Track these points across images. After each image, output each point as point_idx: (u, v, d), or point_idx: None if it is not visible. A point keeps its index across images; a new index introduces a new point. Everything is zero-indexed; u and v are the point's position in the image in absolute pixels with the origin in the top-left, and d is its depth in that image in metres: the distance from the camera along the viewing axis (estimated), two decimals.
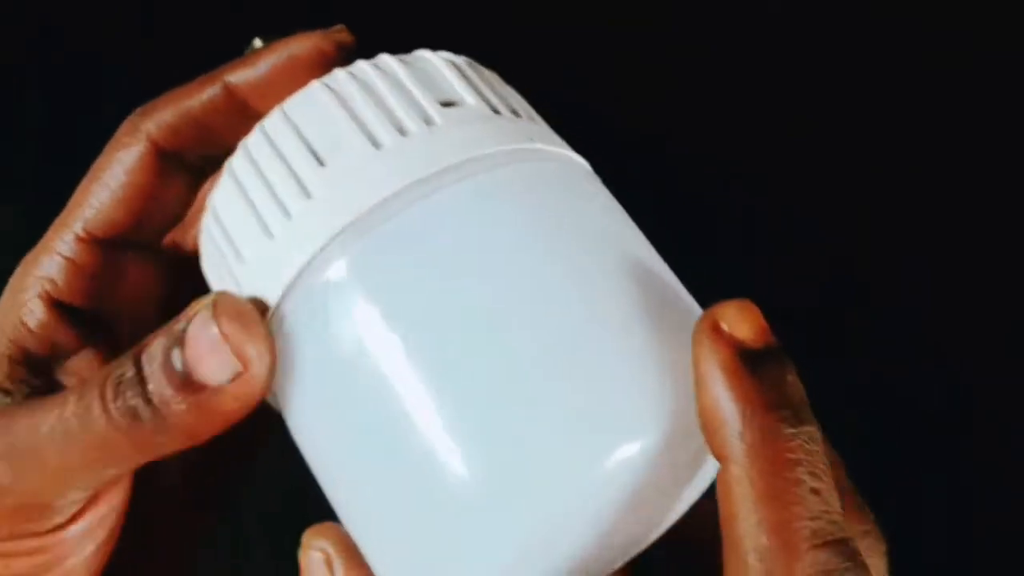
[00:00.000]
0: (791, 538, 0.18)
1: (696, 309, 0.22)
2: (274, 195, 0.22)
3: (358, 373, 0.20)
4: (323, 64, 0.25)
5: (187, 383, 0.21)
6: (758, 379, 0.19)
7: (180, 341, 0.21)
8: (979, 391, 0.62)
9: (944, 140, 0.64)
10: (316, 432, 0.21)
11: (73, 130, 0.63)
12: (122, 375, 0.22)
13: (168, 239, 0.27)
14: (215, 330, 0.21)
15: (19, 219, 0.62)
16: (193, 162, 0.26)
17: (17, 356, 0.24)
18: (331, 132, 0.22)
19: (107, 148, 0.26)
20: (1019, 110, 0.64)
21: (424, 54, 0.25)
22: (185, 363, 0.21)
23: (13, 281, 0.25)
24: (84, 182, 0.26)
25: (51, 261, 0.25)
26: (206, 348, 0.21)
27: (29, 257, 0.25)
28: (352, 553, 0.21)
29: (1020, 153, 0.64)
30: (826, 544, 0.18)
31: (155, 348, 0.22)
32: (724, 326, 0.20)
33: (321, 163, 0.22)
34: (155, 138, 0.25)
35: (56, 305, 0.25)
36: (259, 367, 0.21)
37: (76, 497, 0.23)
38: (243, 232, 0.23)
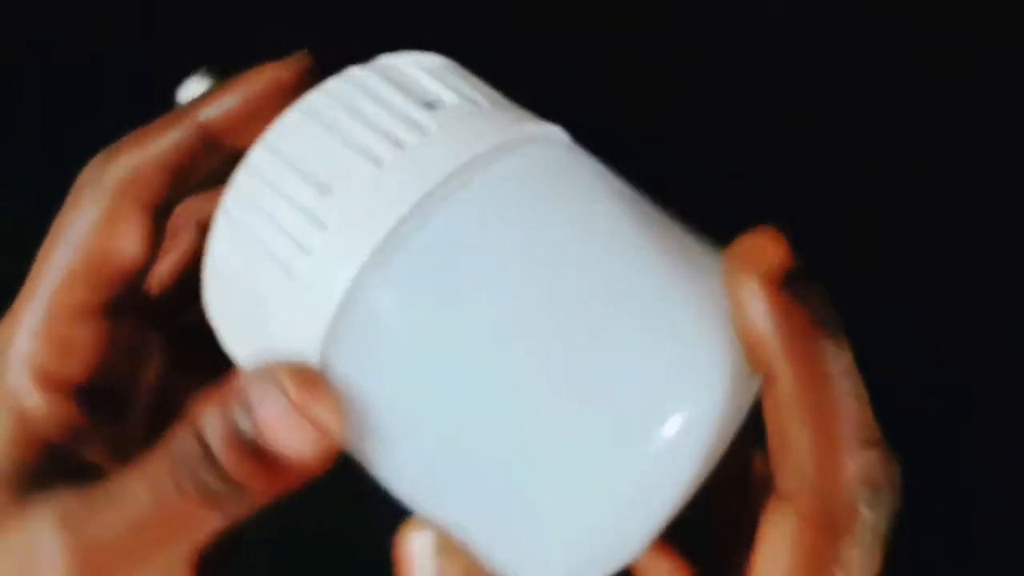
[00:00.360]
0: (840, 443, 0.19)
1: (716, 249, 0.23)
2: (287, 234, 0.22)
3: (432, 384, 0.21)
4: (288, 94, 0.24)
5: (262, 455, 0.21)
6: (796, 297, 0.20)
7: (247, 411, 0.21)
8: (979, 391, 0.62)
9: (944, 140, 0.64)
10: (400, 449, 0.21)
11: (72, 129, 0.63)
12: (186, 450, 0.21)
13: (144, 288, 0.26)
14: (284, 402, 0.20)
15: (18, 218, 0.62)
16: (162, 205, 0.24)
17: (29, 442, 0.23)
18: (328, 159, 0.22)
19: (69, 201, 0.24)
20: (1019, 110, 0.64)
21: (388, 60, 0.24)
22: (259, 436, 0.21)
23: None
24: (48, 242, 0.24)
25: (29, 339, 0.23)
26: (279, 421, 0.20)
27: (3, 336, 0.24)
28: (454, 542, 0.21)
29: (1020, 153, 0.64)
30: (871, 444, 0.19)
31: (213, 410, 0.21)
32: (755, 252, 0.21)
33: (327, 192, 0.21)
34: (121, 187, 0.24)
35: (51, 383, 0.23)
36: (336, 428, 0.21)
37: None
38: (262, 279, 0.22)
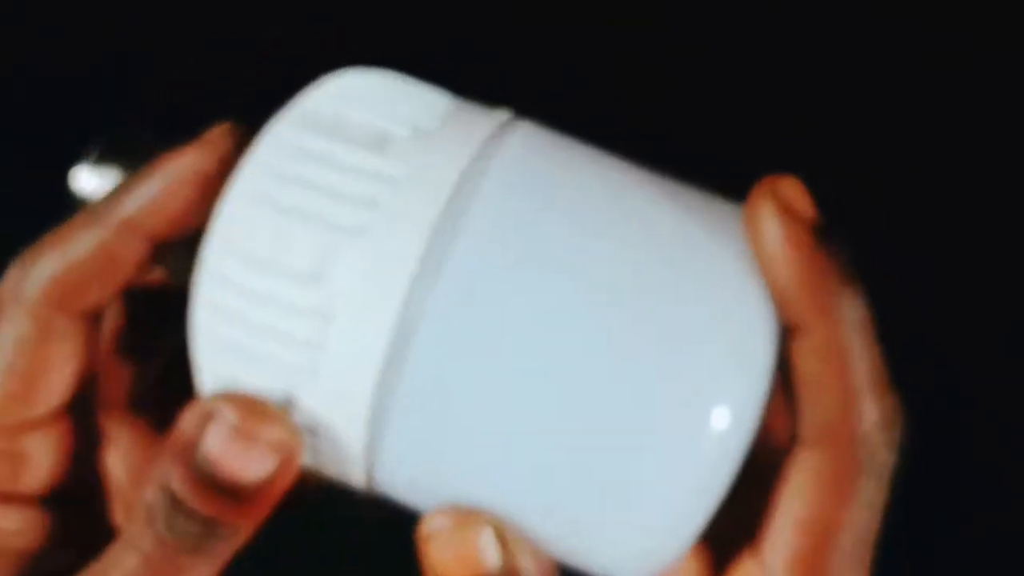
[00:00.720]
0: (865, 390, 0.21)
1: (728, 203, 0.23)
2: (292, 342, 0.20)
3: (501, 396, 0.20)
4: (212, 178, 0.23)
5: (225, 487, 0.21)
6: (825, 248, 0.22)
7: (200, 458, 0.21)
8: (979, 391, 0.62)
9: (944, 140, 0.64)
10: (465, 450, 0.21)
11: (72, 129, 0.63)
12: (156, 506, 0.21)
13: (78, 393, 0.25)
14: (227, 430, 0.21)
15: (16, 218, 0.62)
16: (91, 309, 0.23)
17: (16, 565, 0.23)
18: (303, 246, 0.20)
19: None
20: (1019, 110, 0.64)
21: (309, 106, 0.22)
22: (213, 469, 0.21)
23: None
24: None
25: None
26: (228, 449, 0.21)
27: None
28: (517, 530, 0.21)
29: (1020, 153, 0.64)
30: (888, 390, 0.21)
31: (174, 474, 0.21)
32: (783, 202, 0.23)
33: (318, 280, 0.20)
34: (46, 299, 0.22)
35: (9, 499, 0.23)
36: (293, 441, 0.21)
37: None
38: (279, 384, 0.21)
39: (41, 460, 0.24)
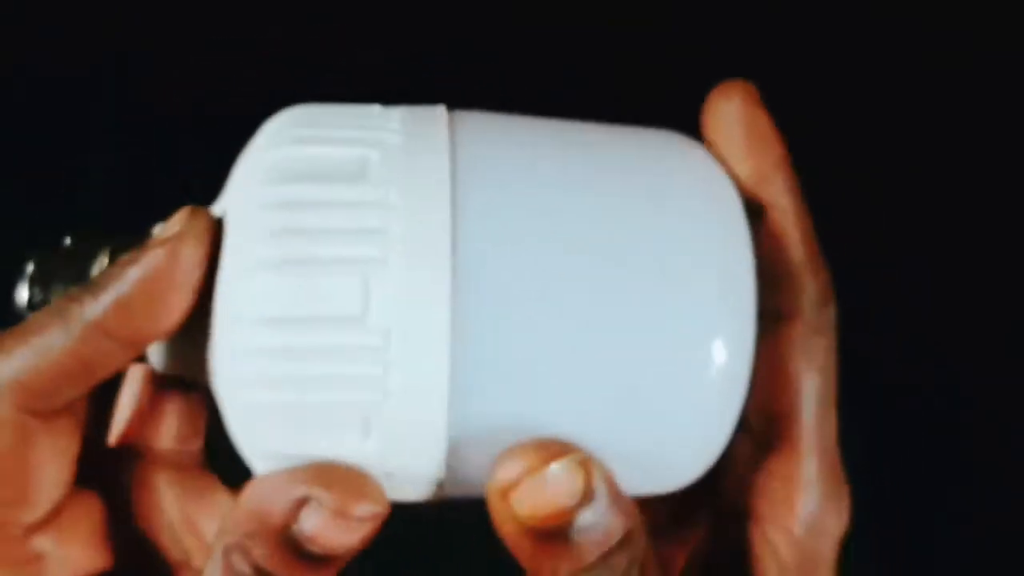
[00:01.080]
0: (819, 258, 0.24)
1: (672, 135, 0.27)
2: (356, 386, 0.21)
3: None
4: (188, 271, 0.22)
5: (321, 559, 0.21)
6: (779, 132, 0.25)
7: (295, 537, 0.20)
8: (979, 391, 0.62)
9: (944, 140, 0.64)
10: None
11: (72, 129, 0.63)
12: (240, 573, 0.21)
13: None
14: (324, 513, 0.20)
15: (16, 218, 0.62)
16: (62, 407, 0.22)
17: None
18: (328, 296, 0.20)
19: None
20: (1019, 110, 0.64)
21: (272, 157, 0.22)
22: (315, 549, 0.21)
23: None
24: None
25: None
26: (331, 531, 0.20)
27: None
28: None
29: (1020, 153, 0.64)
30: (823, 266, 0.25)
31: (262, 550, 0.21)
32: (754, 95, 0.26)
33: (361, 318, 0.20)
34: (10, 406, 0.21)
35: None
36: (384, 507, 0.21)
37: None
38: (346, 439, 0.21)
39: (62, 553, 0.23)
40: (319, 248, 0.20)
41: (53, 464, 0.23)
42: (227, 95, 0.61)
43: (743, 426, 0.24)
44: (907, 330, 0.63)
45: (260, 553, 0.20)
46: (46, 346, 0.21)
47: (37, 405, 0.22)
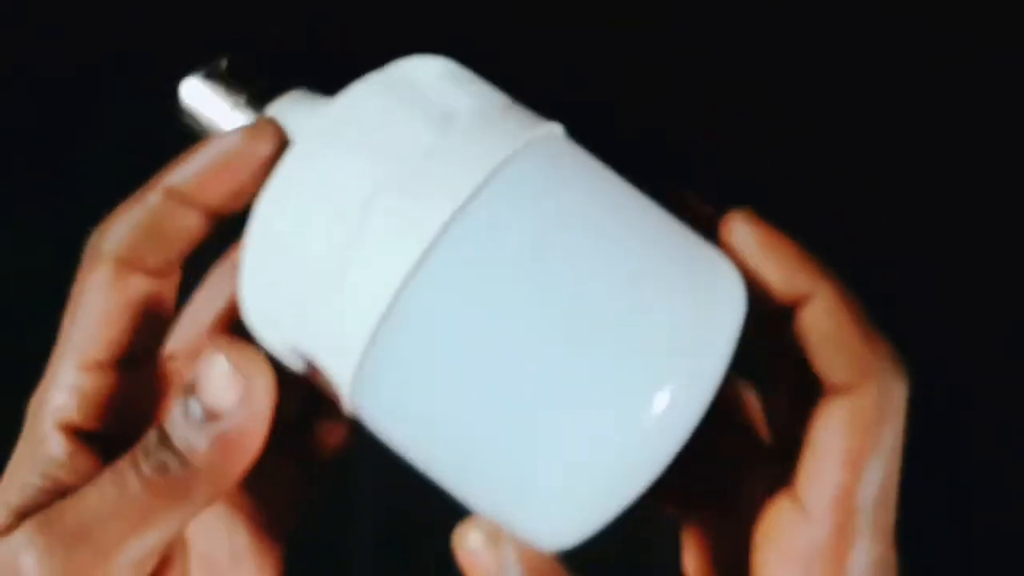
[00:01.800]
0: (875, 334, 0.24)
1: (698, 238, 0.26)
2: (324, 257, 0.23)
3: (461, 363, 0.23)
4: (255, 160, 0.26)
5: (205, 426, 0.23)
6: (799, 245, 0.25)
7: (193, 389, 0.23)
8: (979, 391, 0.62)
9: (944, 140, 0.64)
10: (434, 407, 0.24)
11: (72, 129, 0.63)
12: (148, 441, 0.24)
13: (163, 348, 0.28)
14: (222, 363, 0.23)
15: (16, 219, 0.62)
16: (159, 268, 0.27)
17: (50, 488, 0.25)
18: (364, 169, 0.23)
19: (79, 275, 0.27)
20: (1019, 110, 0.64)
21: (399, 71, 0.25)
22: (201, 405, 0.23)
23: (29, 421, 0.26)
24: (68, 312, 0.27)
25: (59, 394, 0.26)
26: (213, 380, 0.23)
27: (37, 394, 0.26)
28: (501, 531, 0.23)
29: (1020, 153, 0.64)
30: (886, 340, 0.25)
31: (172, 407, 0.24)
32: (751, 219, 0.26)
33: (365, 212, 0.23)
34: (118, 258, 0.26)
35: (77, 434, 0.26)
36: (262, 384, 0.23)
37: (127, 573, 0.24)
38: (302, 303, 0.23)
39: (103, 400, 0.26)
40: (372, 134, 0.23)
41: (137, 317, 0.26)
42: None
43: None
44: (907, 330, 0.63)
45: (167, 419, 0.24)
46: (141, 208, 0.26)
47: (133, 262, 0.26)
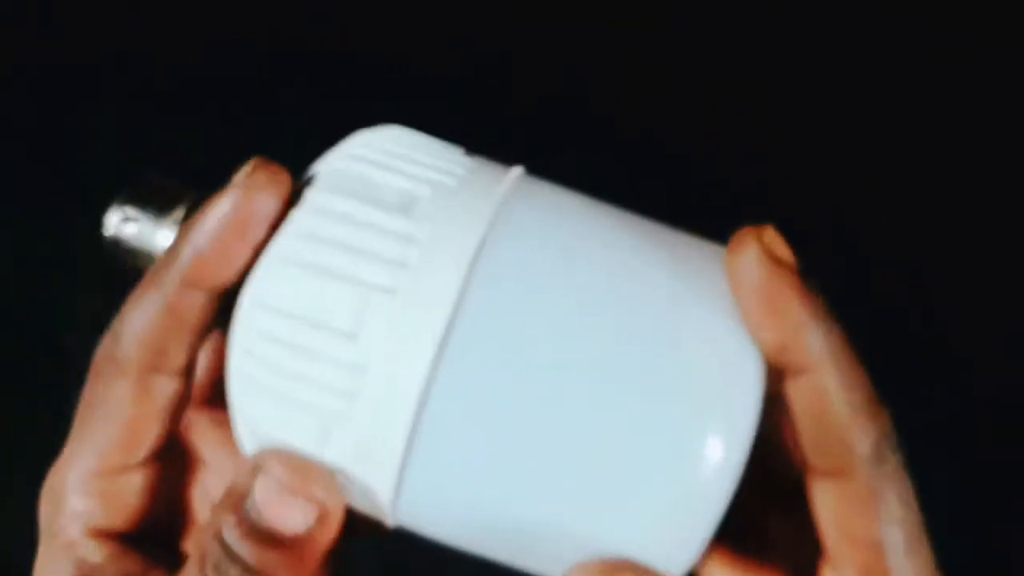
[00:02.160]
0: (865, 411, 0.23)
1: (714, 247, 0.24)
2: (326, 389, 0.22)
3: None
4: (256, 219, 0.24)
5: (275, 542, 0.23)
6: (814, 290, 0.23)
7: (249, 508, 0.23)
8: (979, 391, 0.62)
9: (944, 140, 0.64)
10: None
11: (72, 129, 0.63)
12: (213, 555, 0.23)
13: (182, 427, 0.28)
14: (274, 484, 0.23)
15: (16, 219, 0.62)
16: (183, 365, 0.25)
17: None
18: (338, 304, 0.22)
19: (91, 376, 0.25)
20: (1019, 110, 0.64)
21: (340, 167, 0.24)
22: (260, 519, 0.23)
23: (47, 533, 0.25)
24: (82, 415, 0.26)
25: (81, 500, 0.25)
26: (278, 504, 0.23)
27: (50, 497, 0.25)
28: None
29: (1020, 153, 0.64)
30: (881, 408, 0.23)
31: (227, 522, 0.23)
32: (771, 250, 0.23)
33: (353, 339, 0.22)
34: (140, 365, 0.25)
35: (111, 537, 0.25)
36: (333, 501, 0.23)
37: None
38: (309, 438, 0.23)
39: (133, 500, 0.26)
40: (342, 261, 0.22)
41: (162, 417, 0.25)
42: (228, 94, 0.60)
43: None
44: (908, 330, 0.63)
45: (227, 528, 0.23)
46: (152, 307, 0.25)
47: (155, 363, 0.25)
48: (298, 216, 0.23)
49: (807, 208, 0.62)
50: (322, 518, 0.23)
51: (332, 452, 0.23)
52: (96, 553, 0.25)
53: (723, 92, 0.63)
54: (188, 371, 0.25)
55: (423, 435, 0.22)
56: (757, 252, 0.23)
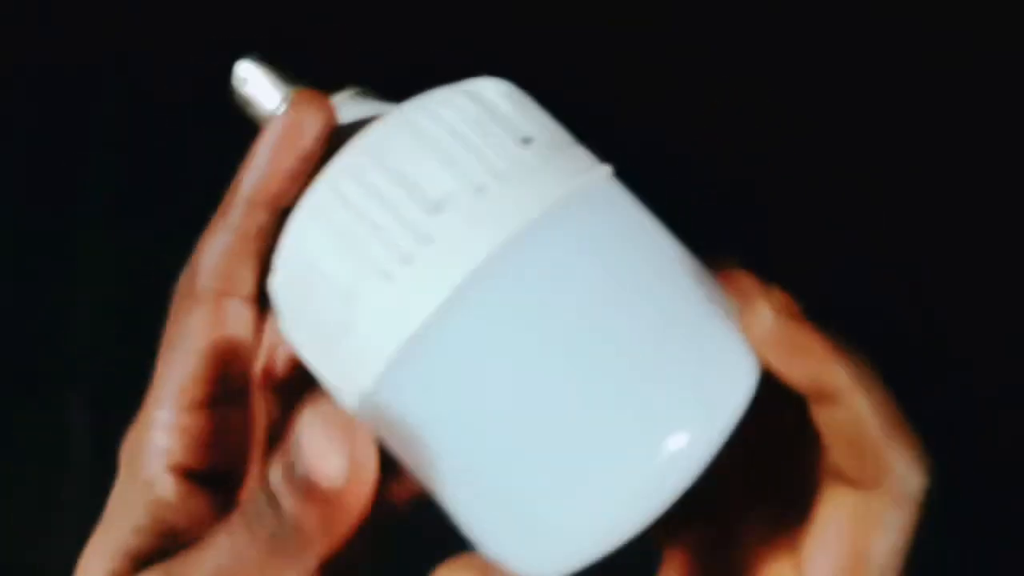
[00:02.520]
0: (904, 436, 0.25)
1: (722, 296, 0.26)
2: (389, 240, 0.23)
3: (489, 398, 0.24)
4: (313, 129, 0.26)
5: (311, 492, 0.23)
6: (826, 336, 0.24)
7: (296, 451, 0.23)
8: (979, 391, 0.62)
9: (944, 140, 0.64)
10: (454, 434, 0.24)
11: (72, 129, 0.63)
12: (259, 503, 0.24)
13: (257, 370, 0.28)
14: (324, 433, 0.23)
15: (17, 219, 0.62)
16: (255, 290, 0.27)
17: (161, 531, 0.25)
18: (428, 178, 0.24)
19: (173, 311, 0.26)
20: (1019, 110, 0.64)
21: (476, 87, 0.26)
22: (306, 472, 0.23)
23: (128, 463, 0.26)
24: (164, 352, 0.26)
25: (164, 436, 0.26)
26: (319, 455, 0.23)
27: (134, 435, 0.26)
28: (490, 570, 0.23)
29: (1020, 153, 0.64)
30: (912, 437, 0.25)
31: (274, 465, 0.23)
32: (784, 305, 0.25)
33: (436, 210, 0.23)
34: (216, 291, 0.26)
35: (186, 475, 0.26)
36: (368, 460, 0.23)
37: None
38: (354, 276, 0.24)
39: (212, 438, 0.26)
40: (450, 145, 0.24)
41: (241, 349, 0.27)
42: (227, 94, 0.60)
43: None
44: (908, 331, 0.63)
45: (275, 476, 0.23)
46: (228, 232, 0.26)
47: (228, 287, 0.26)
48: (339, 166, 0.24)
49: (807, 208, 0.62)
50: (355, 478, 0.23)
51: (360, 306, 0.24)
52: (171, 491, 0.25)
53: (723, 92, 0.63)
54: (258, 299, 0.26)
55: (442, 329, 0.23)
56: (772, 306, 0.25)
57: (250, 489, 0.25)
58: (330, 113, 0.26)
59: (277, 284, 0.25)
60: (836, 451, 0.25)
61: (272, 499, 0.23)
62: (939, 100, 0.64)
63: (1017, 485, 0.61)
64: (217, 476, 0.26)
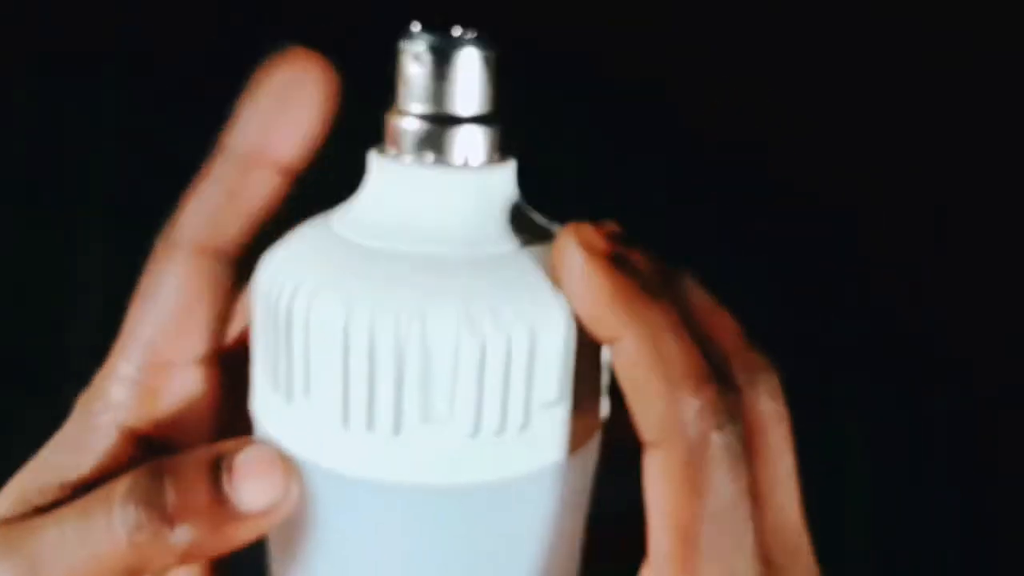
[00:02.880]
0: (686, 382, 0.22)
1: None
2: (371, 396, 0.23)
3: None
4: (308, 83, 0.25)
5: (222, 504, 0.22)
6: (623, 269, 0.23)
7: (227, 465, 0.22)
8: (979, 391, 0.62)
9: (944, 140, 0.64)
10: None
11: (73, 129, 0.63)
12: (137, 489, 0.22)
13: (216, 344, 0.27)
14: (271, 457, 0.23)
15: (17, 219, 0.62)
16: (237, 249, 0.25)
17: (87, 477, 0.24)
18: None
19: (150, 264, 0.25)
20: (1019, 110, 0.64)
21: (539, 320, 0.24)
22: (231, 485, 0.22)
23: (81, 410, 0.25)
24: (136, 304, 0.25)
25: (122, 390, 0.25)
26: (256, 472, 0.22)
27: (95, 385, 0.25)
28: None
29: (1020, 153, 0.64)
30: (706, 381, 0.22)
31: (191, 464, 0.22)
32: (589, 241, 0.23)
33: (424, 420, 0.23)
34: (196, 243, 0.25)
35: (134, 438, 0.25)
36: (293, 496, 0.23)
37: None
38: (319, 385, 0.23)
39: (173, 405, 0.25)
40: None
41: (212, 311, 0.25)
42: (229, 94, 0.60)
43: None
44: (908, 331, 0.63)
45: (183, 466, 0.23)
46: (215, 187, 0.25)
47: (208, 242, 0.25)
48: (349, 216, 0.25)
49: (807, 208, 0.62)
50: (273, 509, 0.22)
51: (305, 401, 0.23)
52: (111, 449, 0.24)
53: (723, 92, 0.63)
54: (240, 262, 0.25)
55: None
56: (575, 242, 0.23)
57: (130, 472, 0.23)
58: (323, 72, 0.25)
59: (259, 294, 0.24)
60: (632, 409, 0.23)
61: (160, 488, 0.22)
62: (939, 100, 0.64)
63: (1017, 485, 0.61)
64: (160, 446, 0.25)
